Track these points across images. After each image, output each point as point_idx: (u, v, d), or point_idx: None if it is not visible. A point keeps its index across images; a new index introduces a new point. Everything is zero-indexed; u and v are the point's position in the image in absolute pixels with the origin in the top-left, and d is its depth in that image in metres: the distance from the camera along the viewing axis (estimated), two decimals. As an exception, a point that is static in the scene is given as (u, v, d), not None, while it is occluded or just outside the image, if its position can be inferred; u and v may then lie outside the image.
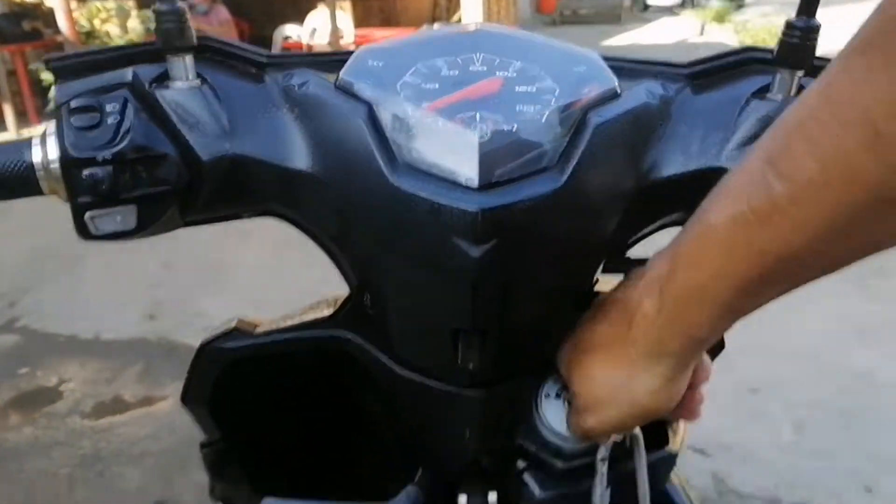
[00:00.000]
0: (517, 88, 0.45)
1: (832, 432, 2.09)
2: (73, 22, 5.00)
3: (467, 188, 0.42)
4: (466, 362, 0.48)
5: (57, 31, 6.83)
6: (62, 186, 0.50)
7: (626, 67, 0.51)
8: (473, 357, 0.47)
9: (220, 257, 3.45)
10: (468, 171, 0.42)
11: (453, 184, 0.42)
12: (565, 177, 0.43)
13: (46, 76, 4.96)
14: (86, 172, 0.48)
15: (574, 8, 14.70)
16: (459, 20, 5.37)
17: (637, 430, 0.55)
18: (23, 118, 6.44)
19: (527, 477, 0.56)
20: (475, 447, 0.55)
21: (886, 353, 2.47)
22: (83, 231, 0.51)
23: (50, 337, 2.82)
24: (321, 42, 5.85)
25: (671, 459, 0.62)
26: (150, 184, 0.50)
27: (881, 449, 2.02)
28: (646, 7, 16.56)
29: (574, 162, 0.43)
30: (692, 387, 0.51)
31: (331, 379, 0.60)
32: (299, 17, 6.44)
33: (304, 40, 6.03)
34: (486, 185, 0.42)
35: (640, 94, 0.48)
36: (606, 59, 0.50)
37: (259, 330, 0.60)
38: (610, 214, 0.48)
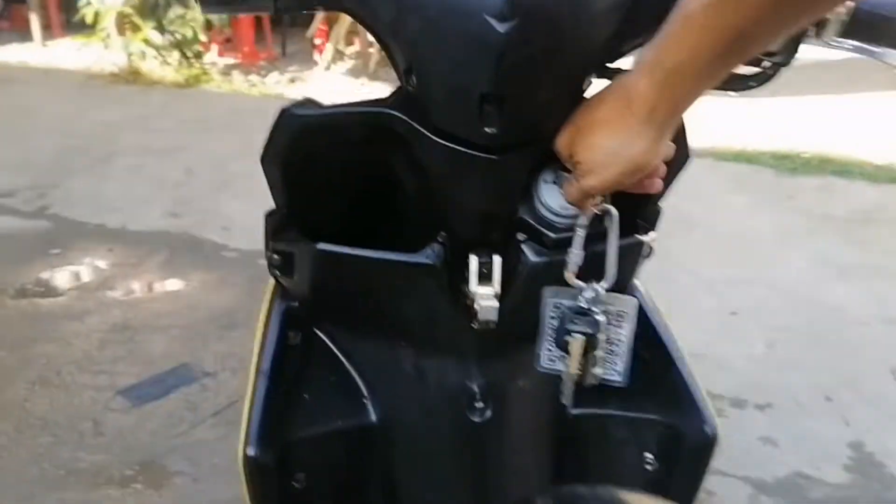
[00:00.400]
0: None
1: (800, 351, 2.28)
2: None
3: None
4: (487, 125, 0.63)
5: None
6: None
7: None
8: (493, 120, 0.63)
9: (237, 168, 3.60)
10: None
11: None
12: None
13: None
14: None
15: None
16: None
17: (612, 209, 0.70)
18: (47, 31, 6.53)
19: (524, 246, 0.71)
20: (487, 209, 0.71)
21: (859, 290, 2.64)
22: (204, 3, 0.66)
23: (79, 224, 3.00)
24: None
25: (638, 248, 0.78)
26: None
27: (843, 368, 2.20)
28: None
29: None
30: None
31: (378, 154, 0.75)
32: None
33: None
34: None
35: None
36: None
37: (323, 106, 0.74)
38: (611, 15, 0.63)
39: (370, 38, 6.08)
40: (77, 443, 1.81)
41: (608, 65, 0.71)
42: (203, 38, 5.29)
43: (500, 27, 0.58)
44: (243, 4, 0.72)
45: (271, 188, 0.78)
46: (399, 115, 0.68)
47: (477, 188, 0.69)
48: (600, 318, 0.68)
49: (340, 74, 5.78)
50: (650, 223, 0.81)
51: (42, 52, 6.15)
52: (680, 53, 0.55)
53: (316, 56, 6.01)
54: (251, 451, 0.74)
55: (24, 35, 6.50)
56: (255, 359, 0.82)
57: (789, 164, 3.89)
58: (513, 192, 0.69)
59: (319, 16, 6.04)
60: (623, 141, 0.61)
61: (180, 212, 3.15)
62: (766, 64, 0.71)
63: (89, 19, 5.12)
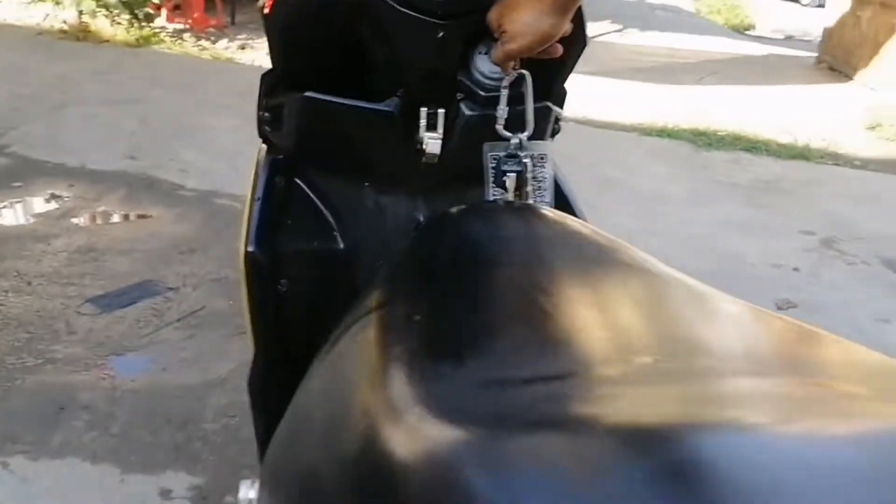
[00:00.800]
0: None
1: (700, 287, 2.60)
2: None
3: None
4: None
5: None
6: None
7: None
8: None
9: (192, 121, 3.77)
10: None
11: None
12: None
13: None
14: None
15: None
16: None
17: (527, 73, 0.95)
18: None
19: (462, 103, 0.96)
20: (433, 67, 0.94)
21: (754, 242, 2.99)
22: None
23: (39, 163, 3.12)
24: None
25: (548, 112, 1.03)
26: None
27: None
28: None
29: None
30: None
31: (353, 25, 0.96)
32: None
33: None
34: None
35: None
36: None
37: None
38: None
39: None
40: (52, 339, 1.99)
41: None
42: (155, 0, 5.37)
43: None
44: None
45: (271, 50, 1.01)
46: None
47: (425, 48, 0.92)
48: (526, 160, 0.93)
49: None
50: (559, 101, 1.07)
51: (-13, 7, 6.10)
52: None
53: (266, 25, 6.12)
54: (250, 248, 0.97)
55: (-33, -10, 6.44)
56: (249, 193, 1.05)
57: (706, 139, 4.26)
58: (453, 53, 0.92)
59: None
60: (538, 17, 0.83)
61: (137, 155, 3.29)
62: None
63: (40, -25, 5.15)
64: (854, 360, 0.41)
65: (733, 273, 2.74)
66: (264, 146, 1.10)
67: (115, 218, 2.73)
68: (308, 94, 0.97)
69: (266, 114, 1.06)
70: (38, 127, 3.52)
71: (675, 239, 2.96)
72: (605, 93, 5.30)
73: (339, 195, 1.07)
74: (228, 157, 3.21)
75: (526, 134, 0.92)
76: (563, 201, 1.10)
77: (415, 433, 0.36)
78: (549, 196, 0.94)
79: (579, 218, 1.08)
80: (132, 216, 2.75)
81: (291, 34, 0.96)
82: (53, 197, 2.81)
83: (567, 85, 1.08)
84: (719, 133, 4.36)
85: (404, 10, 0.89)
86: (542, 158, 0.94)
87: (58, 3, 5.35)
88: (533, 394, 0.40)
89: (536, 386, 0.40)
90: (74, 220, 2.65)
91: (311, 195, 1.08)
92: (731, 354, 0.47)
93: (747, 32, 10.74)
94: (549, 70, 0.98)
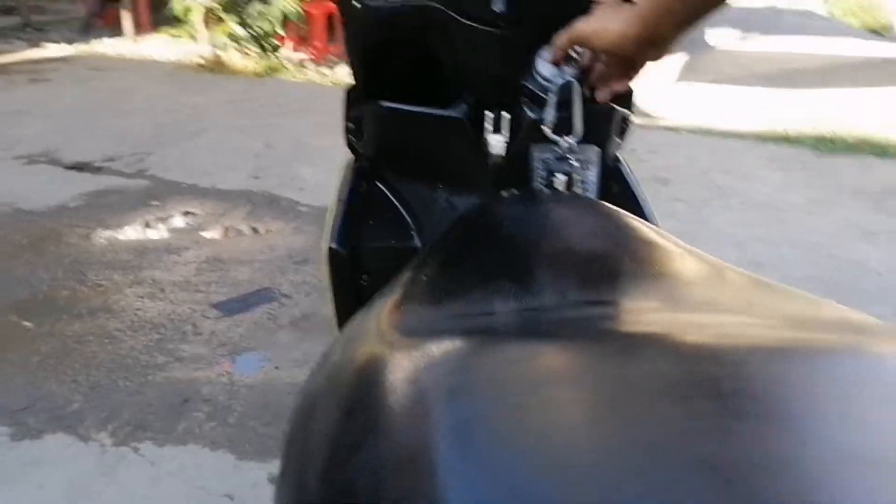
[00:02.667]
0: None
1: (817, 295, 2.49)
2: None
3: None
4: (498, 5, 0.93)
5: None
6: None
7: None
8: (500, 2, 0.93)
9: (311, 142, 3.99)
10: None
11: None
12: None
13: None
14: None
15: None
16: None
17: (574, 81, 0.97)
18: (137, 29, 7.09)
19: (525, 106, 1.01)
20: (498, 74, 1.00)
21: (880, 249, 2.83)
22: None
23: (174, 184, 3.41)
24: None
25: (610, 113, 1.06)
26: None
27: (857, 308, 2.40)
28: None
29: None
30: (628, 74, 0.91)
31: (423, 36, 1.04)
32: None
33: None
34: None
35: None
36: None
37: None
38: None
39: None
40: (180, 339, 2.18)
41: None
42: (280, 31, 5.72)
43: None
44: None
45: (350, 66, 1.10)
46: (437, 5, 0.99)
47: (489, 57, 0.98)
48: (574, 163, 0.96)
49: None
50: (625, 102, 1.09)
51: (134, 46, 6.70)
52: None
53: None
54: (333, 245, 1.06)
55: (116, 31, 7.09)
56: (335, 195, 1.14)
57: (829, 145, 4.06)
58: (516, 60, 0.98)
59: None
60: (610, 16, 0.78)
61: (261, 175, 3.53)
62: None
63: (179, 13, 5.62)
64: None
65: (856, 282, 2.60)
66: (350, 156, 1.19)
67: (239, 232, 2.94)
68: (384, 103, 1.05)
69: (350, 125, 1.15)
70: (175, 152, 3.85)
71: (792, 247, 2.85)
72: (721, 100, 5.16)
73: (415, 196, 1.14)
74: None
75: (573, 139, 0.95)
76: (632, 202, 1.11)
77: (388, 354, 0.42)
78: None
79: (648, 219, 1.09)
80: (254, 230, 2.95)
81: (365, 49, 1.04)
82: (186, 214, 3.07)
83: (633, 85, 1.09)
84: (845, 138, 4.14)
85: (468, 22, 0.95)
86: (587, 162, 0.97)
87: (193, 40, 5.81)
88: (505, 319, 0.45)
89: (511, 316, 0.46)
90: (203, 234, 2.88)
91: (391, 197, 1.16)
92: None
93: (885, 35, 10.09)
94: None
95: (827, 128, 4.31)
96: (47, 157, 3.72)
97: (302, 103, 4.89)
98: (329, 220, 1.11)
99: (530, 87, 0.99)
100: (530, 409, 0.34)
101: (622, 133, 1.12)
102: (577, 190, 0.94)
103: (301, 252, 2.75)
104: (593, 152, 0.97)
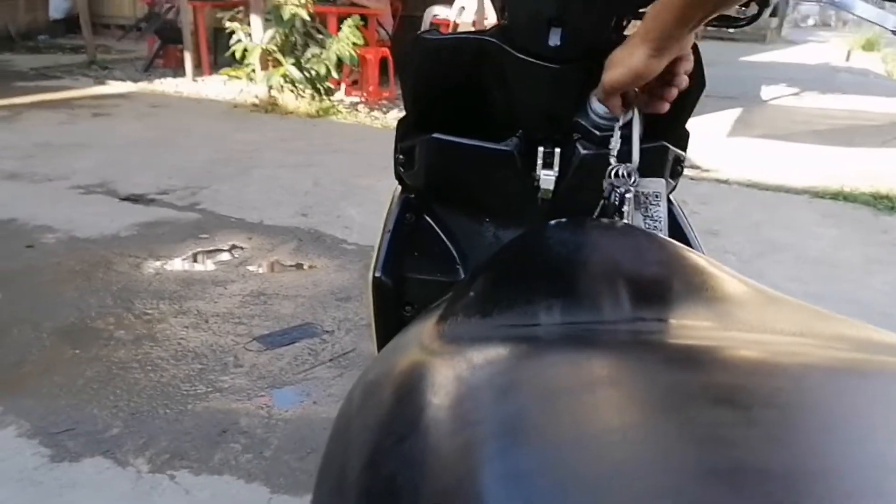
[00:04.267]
0: None
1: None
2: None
3: None
4: (553, 39, 0.93)
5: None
6: None
7: None
8: (556, 38, 0.93)
9: (358, 182, 4.04)
10: None
11: None
12: None
13: (231, 25, 5.73)
14: None
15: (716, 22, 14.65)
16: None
17: (636, 109, 0.96)
18: (197, 70, 7.34)
19: (577, 143, 1.00)
20: (551, 109, 1.00)
21: (943, 310, 2.72)
22: None
23: (223, 218, 3.47)
24: (467, 20, 6.37)
25: (664, 151, 1.04)
26: None
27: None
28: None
29: None
30: (670, 84, 0.92)
31: (478, 71, 1.05)
32: (449, 3, 7.01)
33: (452, 18, 6.59)
34: None
35: None
36: None
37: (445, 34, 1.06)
38: None
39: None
40: (221, 370, 2.18)
41: (641, 10, 1.00)
42: (335, 74, 5.85)
43: None
44: None
45: (403, 96, 1.10)
46: (494, 40, 0.99)
47: (543, 92, 0.98)
48: (632, 192, 0.95)
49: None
50: (681, 141, 1.07)
51: (193, 85, 6.92)
52: None
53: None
54: (378, 274, 1.05)
55: (178, 71, 7.35)
56: (382, 226, 1.14)
57: (887, 203, 3.95)
58: (569, 96, 0.97)
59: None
60: (628, 51, 0.85)
61: (308, 213, 3.57)
62: (747, 12, 0.96)
63: (238, 54, 5.79)
64: None
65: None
66: (399, 187, 1.19)
67: (284, 267, 2.96)
68: (435, 135, 1.05)
69: (400, 156, 1.15)
70: (226, 187, 3.92)
71: (845, 304, 2.76)
72: (775, 156, 5.09)
73: (461, 230, 1.14)
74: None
75: (633, 166, 0.93)
76: (683, 242, 1.09)
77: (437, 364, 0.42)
78: (663, 234, 0.95)
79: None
80: (299, 266, 2.97)
81: (420, 80, 1.05)
82: (233, 247, 3.11)
83: (689, 127, 1.08)
84: (904, 196, 4.03)
85: (523, 56, 0.95)
86: (656, 196, 0.95)
87: (250, 80, 5.98)
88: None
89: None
90: (249, 268, 2.91)
91: (437, 230, 1.15)
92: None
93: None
94: (668, 111, 1.00)
95: (885, 186, 4.21)
96: (103, 187, 3.83)
97: (352, 145, 4.97)
98: (376, 250, 1.10)
99: (584, 123, 0.98)
100: (574, 412, 0.34)
101: (675, 174, 1.10)
102: (643, 223, 0.93)
103: (344, 289, 2.75)
104: (661, 185, 0.95)
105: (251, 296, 2.67)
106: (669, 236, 1.05)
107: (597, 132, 0.97)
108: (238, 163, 4.39)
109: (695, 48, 0.96)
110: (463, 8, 6.46)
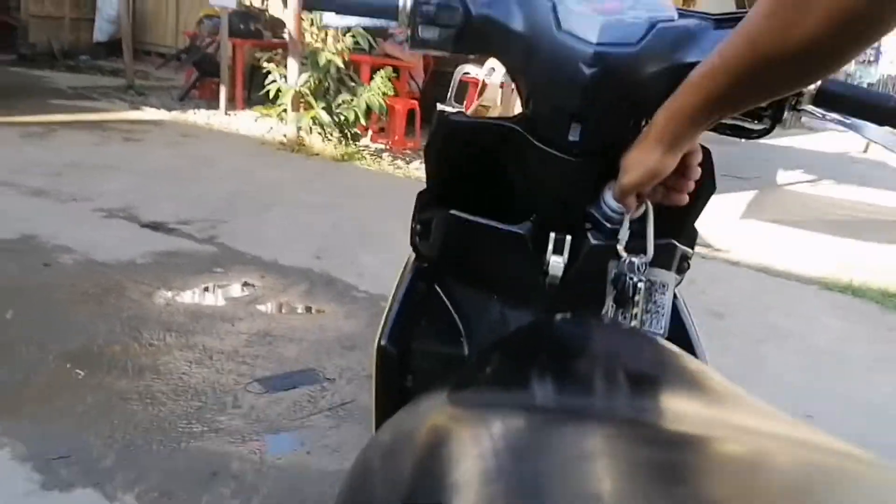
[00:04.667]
0: (627, 9, 0.96)
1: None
2: (300, 30, 5.94)
3: (590, 42, 0.93)
4: (572, 134, 0.98)
5: (275, 34, 7.96)
6: (407, 18, 1.04)
7: (683, 12, 1.01)
8: (576, 132, 0.98)
9: (376, 229, 4.10)
10: (592, 36, 0.93)
11: (584, 40, 0.94)
12: (639, 48, 0.93)
13: (268, 65, 5.89)
14: (423, 7, 1.03)
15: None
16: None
17: (648, 202, 1.00)
18: (231, 104, 7.51)
19: (589, 232, 1.04)
20: (566, 198, 1.04)
21: (945, 417, 2.70)
22: (413, 41, 1.04)
23: (240, 254, 3.53)
24: (495, 82, 6.50)
25: (672, 248, 1.08)
26: (447, 21, 1.04)
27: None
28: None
29: (644, 42, 0.93)
30: (685, 177, 0.97)
31: (499, 154, 1.09)
32: (479, 60, 7.16)
33: (481, 77, 6.71)
34: (599, 43, 0.93)
35: (685, 22, 0.98)
36: (678, 9, 1.00)
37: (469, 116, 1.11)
38: (657, 78, 0.97)
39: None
40: (219, 410, 2.20)
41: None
42: (363, 121, 5.98)
43: (588, 71, 0.93)
44: (424, 46, 1.10)
45: (426, 170, 1.15)
46: (518, 128, 1.04)
47: (559, 181, 1.02)
48: (644, 283, 0.98)
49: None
50: (689, 240, 1.11)
51: (225, 118, 7.07)
52: (681, 101, 0.84)
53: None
54: (383, 342, 1.08)
55: (212, 104, 7.52)
56: (392, 293, 1.17)
57: (895, 302, 3.95)
58: (584, 187, 1.01)
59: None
60: (643, 153, 0.89)
61: (323, 256, 3.62)
62: (759, 125, 1.01)
63: (272, 94, 5.94)
64: None
65: (912, 447, 2.48)
66: (413, 255, 1.23)
67: (294, 309, 3.00)
68: (453, 212, 1.09)
69: (418, 226, 1.19)
70: (246, 223, 3.99)
71: (847, 402, 2.75)
72: (786, 241, 5.11)
73: (470, 304, 1.17)
74: (400, 265, 3.43)
75: (646, 259, 0.96)
76: (685, 341, 1.11)
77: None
78: (663, 325, 0.97)
79: (698, 356, 1.10)
80: (308, 309, 3.01)
81: (444, 159, 1.09)
82: (246, 285, 3.16)
83: (699, 225, 1.12)
84: (915, 296, 4.03)
85: (541, 146, 0.99)
86: (663, 286, 0.98)
87: (281, 119, 6.11)
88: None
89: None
90: (259, 307, 2.95)
91: (447, 302, 1.18)
92: None
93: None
94: (678, 210, 1.04)
95: (893, 283, 4.21)
96: (126, 212, 3.91)
97: (373, 191, 5.05)
98: (384, 317, 1.13)
99: (596, 214, 1.02)
100: (573, 478, 0.41)
101: (681, 270, 1.13)
102: (646, 312, 0.96)
103: (350, 337, 2.78)
104: (670, 277, 0.98)
105: (257, 335, 2.70)
106: (672, 330, 1.09)
107: (608, 224, 1.01)
108: (260, 199, 4.47)
109: (707, 152, 1.00)
110: (493, 69, 6.60)
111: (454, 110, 1.08)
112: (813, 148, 11.88)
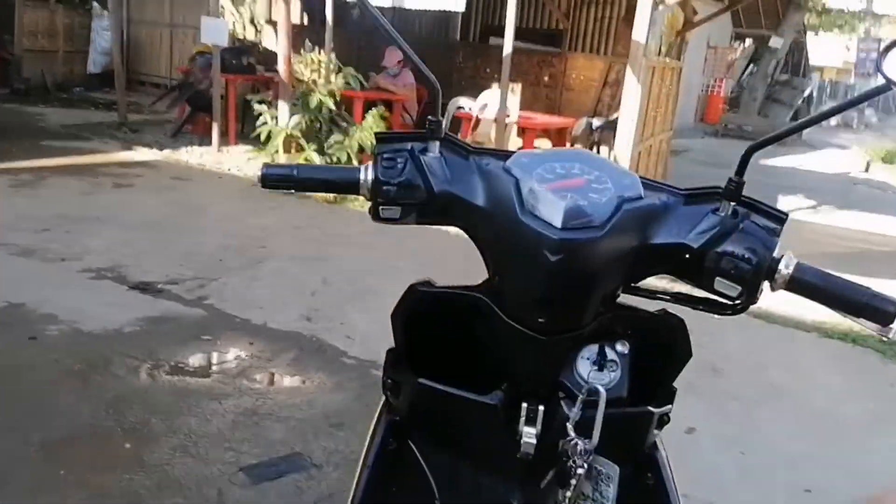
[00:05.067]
0: (592, 185, 0.92)
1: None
2: (291, 68, 5.92)
3: (554, 227, 0.89)
4: (540, 316, 0.94)
5: (268, 69, 7.95)
6: (369, 192, 1.00)
7: (650, 185, 0.97)
8: (544, 314, 0.93)
9: (367, 283, 4.06)
10: (556, 220, 0.89)
11: (549, 224, 0.90)
12: (604, 231, 0.89)
13: (259, 107, 5.88)
14: (384, 188, 0.99)
15: (739, 123, 14.88)
16: (616, 119, 5.86)
17: (603, 392, 0.95)
18: (224, 138, 7.48)
19: (562, 402, 1.00)
20: (536, 372, 1.00)
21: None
22: (375, 216, 1.01)
23: (229, 317, 3.48)
24: (489, 117, 6.48)
25: (649, 417, 1.03)
26: (409, 199, 1.00)
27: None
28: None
29: (610, 225, 0.89)
30: None
31: (467, 323, 1.06)
32: (474, 91, 7.16)
33: (475, 112, 6.70)
34: (564, 228, 0.89)
35: (652, 199, 0.94)
36: (642, 179, 0.96)
37: (439, 286, 1.07)
38: (624, 259, 0.93)
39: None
40: (202, 506, 2.16)
41: (633, 285, 1.01)
42: (355, 161, 5.95)
43: (553, 258, 0.89)
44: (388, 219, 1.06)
45: (394, 334, 1.11)
46: (486, 299, 1.00)
47: (530, 357, 0.98)
48: (583, 470, 0.93)
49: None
50: (666, 399, 1.07)
51: (217, 156, 7.04)
52: None
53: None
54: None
55: (205, 140, 7.49)
56: (364, 452, 1.13)
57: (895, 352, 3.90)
58: (555, 363, 0.98)
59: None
60: None
61: (313, 316, 3.58)
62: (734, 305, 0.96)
63: (263, 137, 5.92)
64: None
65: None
66: (384, 401, 1.19)
67: (282, 381, 2.95)
68: (421, 380, 1.05)
69: (388, 380, 1.15)
70: (235, 280, 3.95)
71: (846, 472, 2.70)
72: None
73: (443, 465, 1.12)
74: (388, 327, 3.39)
75: (591, 445, 0.92)
76: (663, 497, 1.07)
77: None
78: None
79: None
80: (296, 381, 2.96)
81: (412, 327, 1.06)
82: (235, 356, 3.11)
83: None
84: (914, 343, 3.99)
85: (513, 323, 0.96)
86: (608, 478, 0.94)
87: (272, 161, 6.09)
88: None
89: None
90: (245, 382, 2.90)
91: (419, 458, 1.15)
92: None
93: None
94: (653, 376, 1.01)
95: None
96: (114, 272, 3.87)
97: (365, 237, 5.00)
98: (356, 478, 1.09)
99: (567, 384, 0.99)
100: None
101: (661, 424, 1.09)
102: (594, 500, 0.93)
103: (338, 413, 2.73)
104: (613, 470, 0.95)
105: (244, 415, 2.66)
106: (652, 492, 1.04)
107: (580, 394, 0.97)
108: (250, 252, 4.43)
109: (681, 321, 0.97)
110: (486, 105, 6.59)
111: (421, 281, 1.04)
112: (814, 167, 11.85)
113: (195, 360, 3.04)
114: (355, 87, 6.08)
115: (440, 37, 9.68)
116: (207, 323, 3.40)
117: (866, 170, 11.85)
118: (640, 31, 5.32)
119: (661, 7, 5.50)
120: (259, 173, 1.06)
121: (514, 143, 6.67)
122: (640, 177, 0.97)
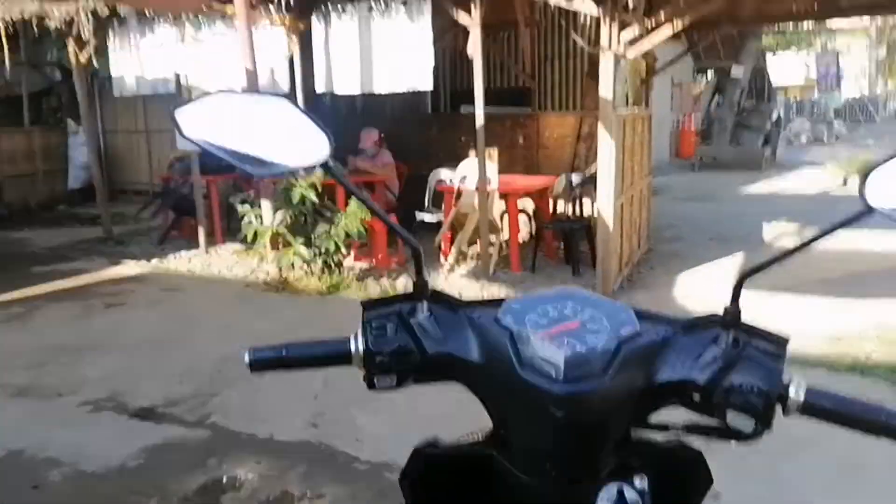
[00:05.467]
0: (587, 326, 0.91)
1: None
2: (268, 169, 5.97)
3: (556, 380, 0.87)
4: (552, 471, 0.92)
5: (247, 167, 8.01)
6: (362, 362, 0.98)
7: (646, 316, 0.96)
8: (556, 468, 0.92)
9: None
10: (557, 372, 0.88)
11: (550, 378, 0.88)
12: (608, 378, 0.87)
13: (242, 209, 5.92)
14: (377, 358, 0.97)
15: (713, 155, 15.06)
16: (595, 172, 5.91)
17: None
18: (211, 238, 7.49)
19: None
20: None
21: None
22: (370, 385, 0.99)
23: (234, 434, 3.42)
24: (469, 187, 6.53)
25: None
26: (404, 366, 0.98)
27: None
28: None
29: (612, 372, 0.87)
30: None
31: (476, 479, 1.04)
32: (453, 162, 7.22)
33: (456, 184, 6.76)
34: (566, 380, 0.87)
35: (651, 334, 0.92)
36: (636, 310, 0.95)
37: (443, 444, 1.05)
38: (631, 400, 0.91)
39: (492, 239, 6.49)
40: None
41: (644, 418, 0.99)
42: (343, 250, 5.96)
43: (558, 413, 0.87)
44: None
45: (404, 494, 1.08)
46: (494, 453, 0.98)
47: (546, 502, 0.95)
48: None
49: (462, 276, 6.27)
50: (702, 490, 1.03)
51: (206, 258, 7.04)
52: None
53: (441, 259, 6.59)
54: None
55: (192, 242, 7.49)
56: None
57: (908, 378, 3.86)
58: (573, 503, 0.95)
59: (446, 224, 6.68)
60: None
61: (319, 423, 3.52)
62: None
63: (249, 237, 5.93)
64: None
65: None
66: None
67: (293, 500, 2.88)
68: None
69: None
70: (236, 393, 3.90)
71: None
72: (785, 313, 5.00)
73: None
74: (399, 423, 3.34)
75: None
76: None
77: None
78: None
79: None
80: (308, 499, 2.89)
81: (421, 490, 1.03)
82: (242, 476, 3.04)
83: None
84: (925, 370, 3.95)
85: (523, 476, 0.94)
86: None
87: (261, 259, 6.09)
88: None
89: None
90: (257, 506, 2.83)
91: None
92: None
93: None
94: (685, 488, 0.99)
95: (902, 353, 4.13)
96: (113, 401, 3.82)
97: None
98: None
99: None
100: None
101: None
102: None
103: (356, 529, 2.67)
104: None
105: (259, 544, 2.59)
106: None
107: None
108: (248, 360, 4.38)
109: (699, 455, 0.95)
110: (465, 177, 6.65)
111: (428, 441, 1.02)
112: (792, 190, 11.97)
113: (204, 489, 2.96)
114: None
115: (413, 113, 9.83)
116: (212, 444, 3.34)
117: (844, 184, 11.96)
118: (606, 87, 5.41)
119: (622, 62, 5.61)
120: (246, 359, 1.05)
121: (497, 207, 6.72)
122: (633, 308, 0.96)
